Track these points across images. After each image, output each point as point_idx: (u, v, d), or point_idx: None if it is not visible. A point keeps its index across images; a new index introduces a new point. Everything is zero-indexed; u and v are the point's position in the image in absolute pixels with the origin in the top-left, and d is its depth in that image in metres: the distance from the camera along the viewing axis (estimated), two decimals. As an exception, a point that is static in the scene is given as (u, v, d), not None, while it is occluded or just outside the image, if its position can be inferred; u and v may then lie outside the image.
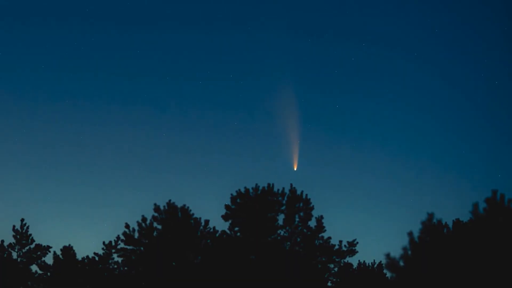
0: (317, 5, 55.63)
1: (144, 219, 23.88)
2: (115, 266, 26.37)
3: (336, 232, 26.80)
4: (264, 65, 54.90)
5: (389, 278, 27.05)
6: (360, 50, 53.93)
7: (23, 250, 26.94)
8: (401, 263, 17.53)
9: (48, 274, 26.91)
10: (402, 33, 55.24)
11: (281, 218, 25.26)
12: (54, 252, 27.05)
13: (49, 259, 27.05)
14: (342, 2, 55.29)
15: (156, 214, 23.86)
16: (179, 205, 24.04)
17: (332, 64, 55.62)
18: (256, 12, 55.37)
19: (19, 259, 26.84)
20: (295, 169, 39.78)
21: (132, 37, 56.56)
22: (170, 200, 24.05)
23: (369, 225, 49.94)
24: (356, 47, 54.79)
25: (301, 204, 25.35)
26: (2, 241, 26.83)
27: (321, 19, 56.19)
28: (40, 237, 27.58)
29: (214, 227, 24.51)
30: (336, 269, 26.21)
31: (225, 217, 25.06)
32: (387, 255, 17.56)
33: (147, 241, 23.81)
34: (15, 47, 55.72)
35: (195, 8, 56.06)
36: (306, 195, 25.43)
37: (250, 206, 24.91)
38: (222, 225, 25.04)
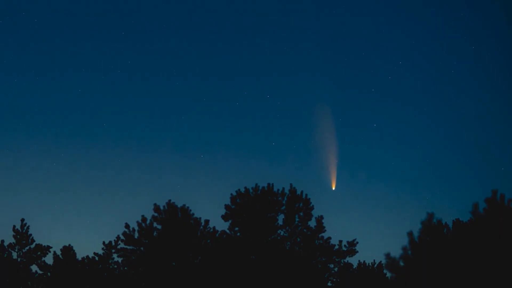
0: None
1: (144, 219, 23.87)
2: (115, 266, 26.38)
3: (336, 232, 26.81)
4: (302, 83, 55.14)
5: (389, 278, 27.06)
6: (395, 68, 54.28)
7: (23, 250, 26.91)
8: (401, 263, 17.54)
9: (48, 274, 26.90)
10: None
11: (281, 218, 25.28)
12: (54, 252, 27.04)
13: (49, 259, 27.05)
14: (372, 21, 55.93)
15: (156, 214, 23.84)
16: (179, 205, 24.05)
17: (369, 82, 55.93)
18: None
19: (19, 259, 26.81)
20: (333, 188, 40.04)
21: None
22: (170, 200, 24.04)
23: (369, 225, 49.93)
24: (392, 65, 55.34)
25: (301, 204, 25.34)
26: (2, 241, 26.81)
27: (356, 37, 56.70)
28: (40, 237, 27.55)
29: (214, 227, 24.51)
30: (336, 269, 26.21)
31: (225, 217, 25.06)
32: (387, 255, 17.57)
33: (147, 241, 23.79)
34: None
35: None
36: (306, 195, 25.44)
37: (250, 206, 24.91)
38: (222, 225, 25.07)
